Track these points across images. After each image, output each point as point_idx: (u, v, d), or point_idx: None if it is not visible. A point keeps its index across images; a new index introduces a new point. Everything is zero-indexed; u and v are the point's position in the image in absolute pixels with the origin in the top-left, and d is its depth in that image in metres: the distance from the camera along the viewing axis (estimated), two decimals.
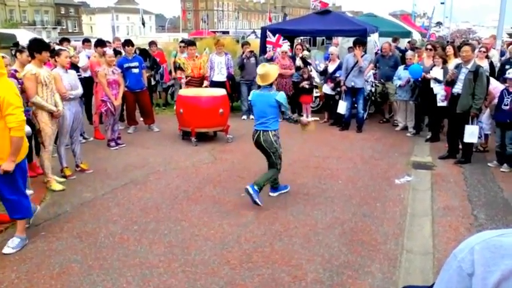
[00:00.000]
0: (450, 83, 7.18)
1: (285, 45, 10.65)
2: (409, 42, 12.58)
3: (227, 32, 38.22)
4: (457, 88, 6.86)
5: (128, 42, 8.92)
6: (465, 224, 4.75)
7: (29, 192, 5.41)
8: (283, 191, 5.65)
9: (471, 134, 6.69)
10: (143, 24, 35.88)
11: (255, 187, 5.09)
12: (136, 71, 8.64)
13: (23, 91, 5.38)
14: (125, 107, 9.06)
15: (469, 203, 5.34)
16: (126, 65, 8.53)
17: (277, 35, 11.00)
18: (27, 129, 5.10)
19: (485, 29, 47.93)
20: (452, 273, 0.88)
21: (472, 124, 6.67)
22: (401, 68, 8.93)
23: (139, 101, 8.87)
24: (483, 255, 0.85)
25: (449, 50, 8.44)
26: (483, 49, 8.62)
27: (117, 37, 11.48)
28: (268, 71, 5.27)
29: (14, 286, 3.51)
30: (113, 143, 7.72)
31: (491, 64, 8.72)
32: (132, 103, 8.84)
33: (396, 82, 8.85)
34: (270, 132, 5.28)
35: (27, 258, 3.94)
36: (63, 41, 9.92)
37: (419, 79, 8.30)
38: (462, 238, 4.40)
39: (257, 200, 5.04)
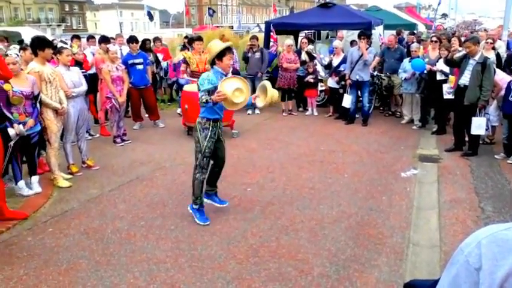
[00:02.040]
0: (450, 63, 7.13)
1: (288, 41, 10.59)
2: (413, 34, 12.44)
3: (231, 27, 38.04)
4: (464, 80, 6.80)
5: (132, 39, 8.92)
6: (472, 217, 4.72)
7: (39, 189, 5.45)
8: (214, 203, 4.77)
9: (478, 126, 6.63)
10: (151, 17, 35.46)
11: (193, 205, 4.61)
12: (141, 67, 8.63)
13: None
14: (129, 104, 9.08)
15: (476, 196, 5.32)
16: (130, 62, 8.52)
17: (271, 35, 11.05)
18: (21, 128, 5.05)
19: (492, 20, 47.52)
20: (459, 267, 0.88)
21: (479, 116, 6.63)
22: (406, 60, 8.87)
23: (144, 97, 8.87)
24: (490, 250, 0.84)
25: (455, 42, 8.38)
26: (490, 40, 8.54)
27: (119, 34, 11.47)
28: (209, 46, 4.39)
29: (23, 282, 3.54)
30: (118, 140, 7.74)
31: (497, 55, 8.65)
32: (137, 99, 8.85)
33: (402, 75, 8.80)
34: (198, 119, 4.48)
35: (35, 255, 3.97)
36: (74, 38, 9.95)
37: (425, 72, 8.25)
38: (469, 231, 4.38)
39: (198, 220, 4.51)
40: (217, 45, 4.30)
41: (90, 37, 10.11)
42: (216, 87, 4.20)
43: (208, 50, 4.37)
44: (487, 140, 7.55)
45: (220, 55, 4.26)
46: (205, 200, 4.71)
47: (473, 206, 5.02)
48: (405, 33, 12.91)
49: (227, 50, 4.30)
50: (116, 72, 7.52)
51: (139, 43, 9.30)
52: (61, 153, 6.06)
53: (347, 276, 3.59)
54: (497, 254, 0.83)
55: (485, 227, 0.91)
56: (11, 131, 4.90)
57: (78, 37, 9.91)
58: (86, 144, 6.49)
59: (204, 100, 4.18)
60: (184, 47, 11.02)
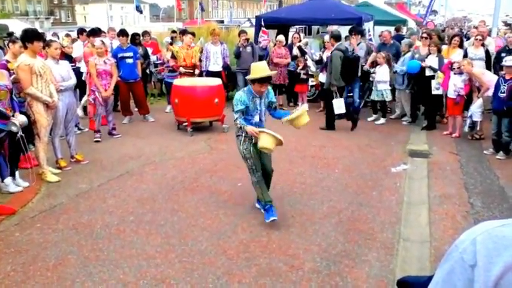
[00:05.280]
0: None
1: (279, 37, 10.51)
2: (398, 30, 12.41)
3: (222, 21, 37.77)
4: None
5: (122, 32, 8.82)
6: (462, 212, 4.75)
7: (24, 184, 5.38)
8: (262, 210, 4.58)
9: (338, 107, 7.83)
10: (140, 11, 35.07)
11: (260, 202, 4.62)
12: (130, 61, 8.55)
13: (15, 82, 5.32)
14: (118, 97, 8.99)
15: (465, 191, 5.35)
16: (120, 55, 8.44)
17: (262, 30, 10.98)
18: (23, 119, 5.04)
19: (481, 17, 47.75)
20: (454, 264, 0.87)
21: (336, 98, 7.82)
22: (407, 56, 8.65)
23: (133, 91, 8.79)
24: (485, 246, 0.83)
25: (456, 41, 8.41)
26: (479, 37, 8.59)
27: (111, 27, 11.35)
28: (253, 66, 4.51)
29: (10, 278, 3.49)
30: (97, 135, 7.51)
31: (487, 52, 8.69)
32: (126, 93, 8.77)
33: (397, 68, 8.65)
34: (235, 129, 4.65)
35: (23, 251, 3.92)
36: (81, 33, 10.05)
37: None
38: (459, 226, 4.40)
39: (268, 218, 4.35)
40: (259, 71, 4.32)
41: (82, 30, 10.04)
42: (247, 107, 4.35)
43: (252, 69, 4.39)
44: (476, 136, 7.60)
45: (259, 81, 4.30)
46: (256, 205, 4.75)
47: (462, 201, 5.05)
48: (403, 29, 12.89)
49: (266, 80, 4.36)
50: (102, 66, 7.39)
51: (129, 37, 9.22)
52: (49, 147, 5.99)
53: (338, 272, 3.60)
54: (492, 251, 0.82)
55: (480, 223, 0.90)
56: (16, 122, 4.92)
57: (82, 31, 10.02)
58: (74, 139, 6.41)
59: (239, 126, 4.40)
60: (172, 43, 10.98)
